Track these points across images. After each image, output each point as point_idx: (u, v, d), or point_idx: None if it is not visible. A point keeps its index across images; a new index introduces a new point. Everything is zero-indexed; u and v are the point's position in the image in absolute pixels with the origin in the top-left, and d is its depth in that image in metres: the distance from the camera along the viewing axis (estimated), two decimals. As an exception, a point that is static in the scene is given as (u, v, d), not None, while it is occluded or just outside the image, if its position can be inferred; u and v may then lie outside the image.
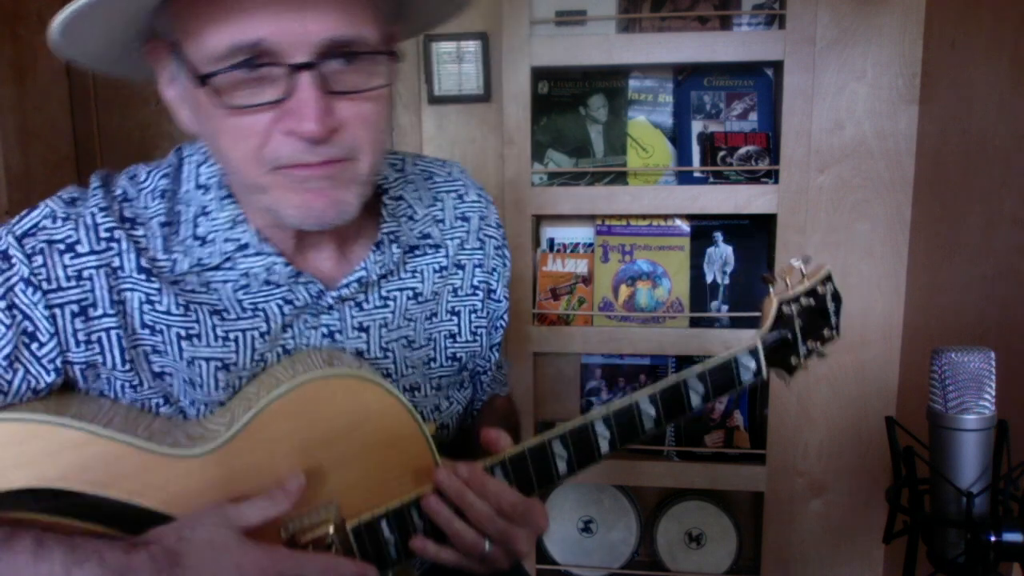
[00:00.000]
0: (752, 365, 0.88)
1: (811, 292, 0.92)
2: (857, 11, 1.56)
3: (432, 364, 0.89)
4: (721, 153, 1.59)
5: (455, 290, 0.89)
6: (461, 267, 0.90)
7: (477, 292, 0.91)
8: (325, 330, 0.80)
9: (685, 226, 1.66)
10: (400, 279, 0.85)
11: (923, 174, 1.57)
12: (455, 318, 0.90)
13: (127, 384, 0.74)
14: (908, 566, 0.91)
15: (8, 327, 0.69)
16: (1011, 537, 0.81)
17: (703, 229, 1.66)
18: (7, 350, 0.69)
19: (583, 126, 1.66)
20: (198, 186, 0.77)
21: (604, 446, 0.80)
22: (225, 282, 0.76)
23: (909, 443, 0.93)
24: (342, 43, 0.65)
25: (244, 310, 0.76)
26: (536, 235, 1.71)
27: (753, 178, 1.58)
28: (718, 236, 1.65)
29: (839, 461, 1.72)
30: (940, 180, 1.49)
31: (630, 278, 1.67)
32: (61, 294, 0.70)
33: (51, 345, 0.70)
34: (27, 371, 0.70)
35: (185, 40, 0.66)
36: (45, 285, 0.69)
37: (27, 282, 0.69)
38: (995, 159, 1.28)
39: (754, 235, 1.65)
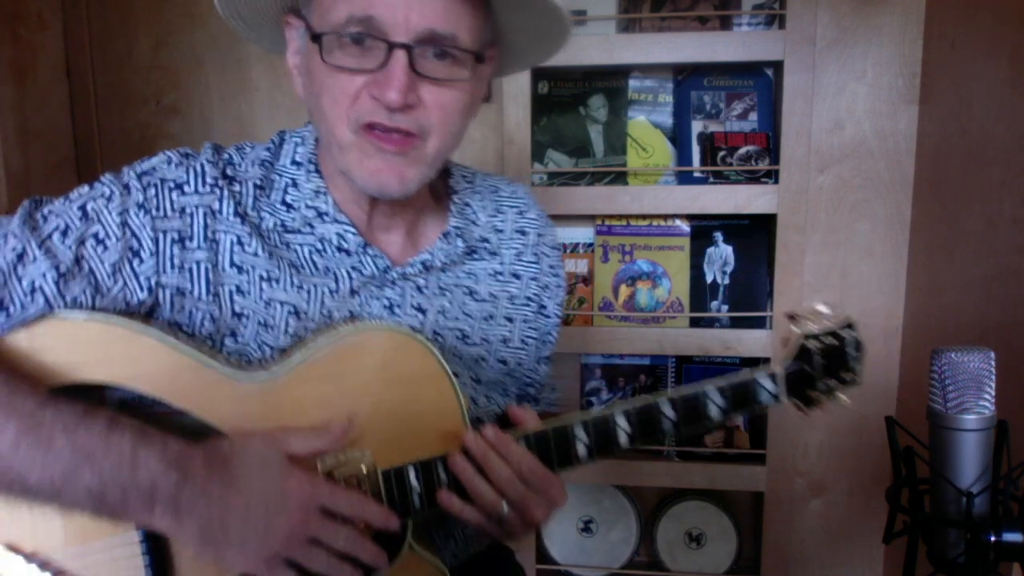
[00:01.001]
0: (771, 387, 0.90)
1: (833, 334, 0.94)
2: (857, 11, 1.56)
3: (481, 363, 0.95)
4: (721, 153, 1.59)
5: (511, 298, 0.97)
6: (518, 276, 0.98)
7: (531, 303, 0.99)
8: (386, 302, 0.89)
9: (685, 226, 1.66)
10: (457, 277, 0.93)
11: (923, 174, 1.57)
12: (510, 324, 0.97)
13: (207, 316, 0.82)
14: (908, 566, 0.91)
15: (119, 239, 0.78)
16: (1011, 537, 0.81)
17: (703, 229, 1.66)
18: (114, 258, 0.78)
19: (583, 126, 1.66)
20: (293, 162, 0.88)
21: (623, 439, 0.85)
22: (302, 245, 0.86)
23: (909, 443, 0.93)
24: (438, 36, 0.75)
25: (318, 269, 0.86)
26: (536, 235, 1.72)
27: (753, 178, 1.58)
28: (718, 236, 1.65)
29: (839, 461, 1.72)
30: (940, 180, 1.50)
31: (630, 278, 1.67)
32: (166, 221, 0.80)
33: (150, 263, 0.79)
34: (126, 284, 0.78)
35: (312, 9, 0.78)
36: (154, 212, 0.80)
37: (140, 206, 0.79)
38: (995, 159, 1.28)
39: (754, 235, 1.64)
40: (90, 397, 0.75)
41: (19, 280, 0.73)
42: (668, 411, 0.86)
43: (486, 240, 0.96)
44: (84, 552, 0.76)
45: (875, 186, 1.61)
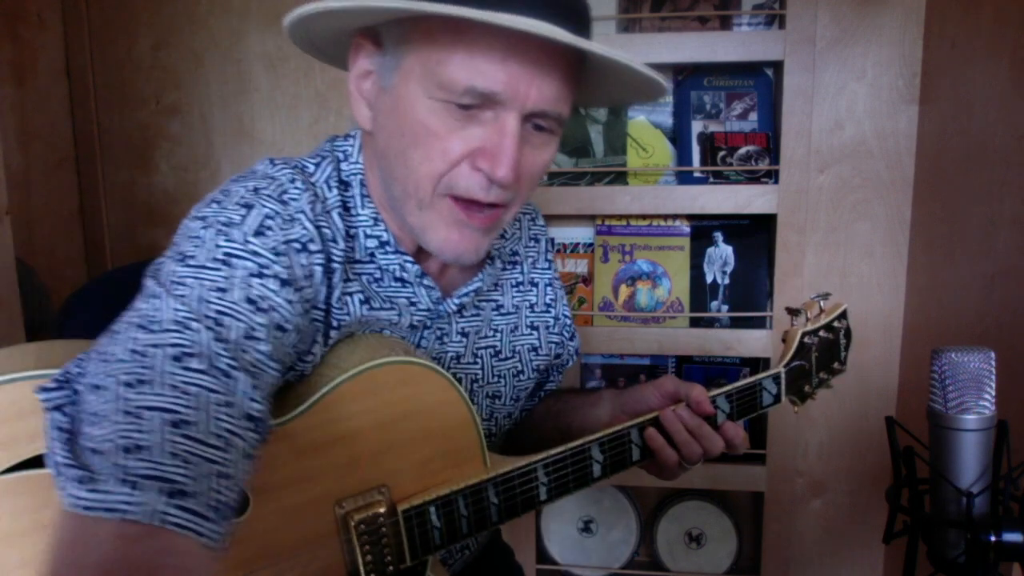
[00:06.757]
0: (773, 390, 0.95)
1: (829, 326, 0.99)
2: (857, 11, 1.56)
3: (520, 376, 0.96)
4: (721, 153, 1.59)
5: (532, 306, 0.97)
6: (535, 284, 0.98)
7: (550, 309, 0.99)
8: (438, 332, 0.86)
9: (685, 226, 1.66)
10: (488, 293, 0.92)
11: (923, 174, 1.57)
12: (535, 332, 0.97)
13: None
14: (908, 566, 0.91)
15: (289, 321, 0.68)
16: (1011, 537, 0.81)
17: (703, 229, 1.66)
18: (293, 339, 0.69)
19: (583, 126, 1.66)
20: (340, 181, 0.80)
21: (636, 454, 0.88)
22: (361, 275, 0.79)
23: (909, 443, 0.93)
24: (547, 115, 0.72)
25: (384, 300, 0.81)
26: (536, 235, 1.72)
27: (753, 178, 1.58)
28: (718, 236, 1.65)
29: (839, 461, 1.72)
30: (940, 180, 1.49)
31: (630, 278, 1.67)
32: (300, 292, 0.70)
33: (291, 336, 0.69)
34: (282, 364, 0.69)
35: (405, 51, 0.71)
36: (296, 283, 0.69)
37: (281, 281, 0.68)
38: (995, 159, 1.28)
39: (754, 235, 1.65)
40: None
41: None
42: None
43: (515, 253, 0.96)
44: None
45: (875, 186, 1.61)
